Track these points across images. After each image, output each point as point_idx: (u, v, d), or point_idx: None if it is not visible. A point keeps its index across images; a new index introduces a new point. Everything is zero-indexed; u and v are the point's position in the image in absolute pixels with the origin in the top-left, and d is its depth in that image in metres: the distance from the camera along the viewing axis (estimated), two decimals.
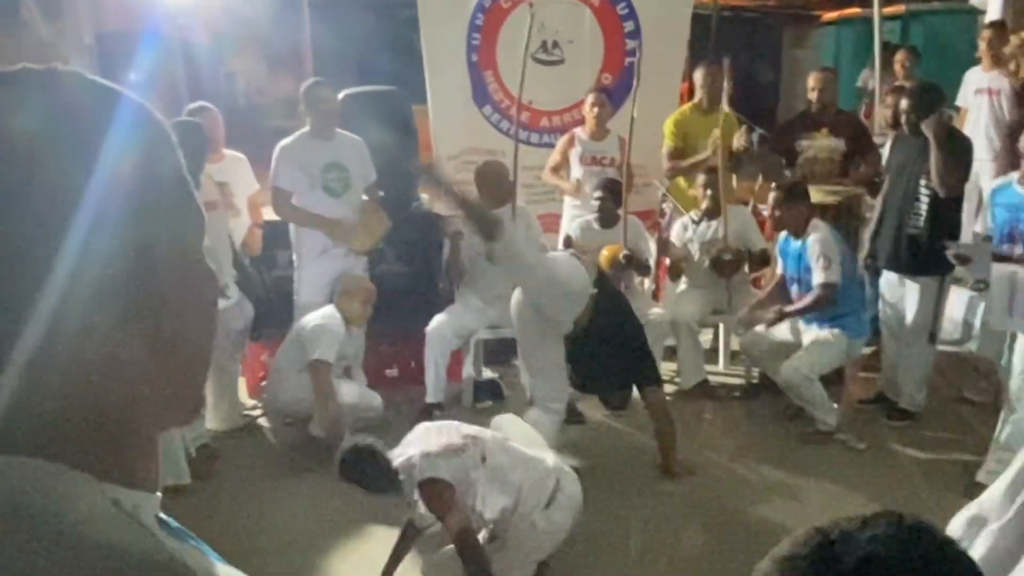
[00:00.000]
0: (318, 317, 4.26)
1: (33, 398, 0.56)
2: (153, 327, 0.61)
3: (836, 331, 4.32)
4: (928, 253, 4.22)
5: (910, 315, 4.38)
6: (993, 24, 6.37)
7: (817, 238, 4.24)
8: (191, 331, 0.65)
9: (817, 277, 4.22)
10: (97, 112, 0.61)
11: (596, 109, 5.18)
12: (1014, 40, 6.09)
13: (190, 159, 0.67)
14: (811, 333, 4.38)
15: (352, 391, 4.35)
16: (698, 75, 5.35)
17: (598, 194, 4.87)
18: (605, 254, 4.69)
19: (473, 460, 3.00)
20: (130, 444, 0.61)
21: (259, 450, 4.40)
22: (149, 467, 0.63)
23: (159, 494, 0.64)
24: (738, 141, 5.01)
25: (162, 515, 0.63)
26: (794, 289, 4.45)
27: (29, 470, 0.55)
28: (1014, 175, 3.89)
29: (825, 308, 4.25)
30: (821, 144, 5.11)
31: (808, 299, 4.28)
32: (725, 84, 5.16)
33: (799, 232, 4.34)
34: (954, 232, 4.35)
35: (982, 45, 6.05)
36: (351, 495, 3.27)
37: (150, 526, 0.59)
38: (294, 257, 4.78)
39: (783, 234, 4.51)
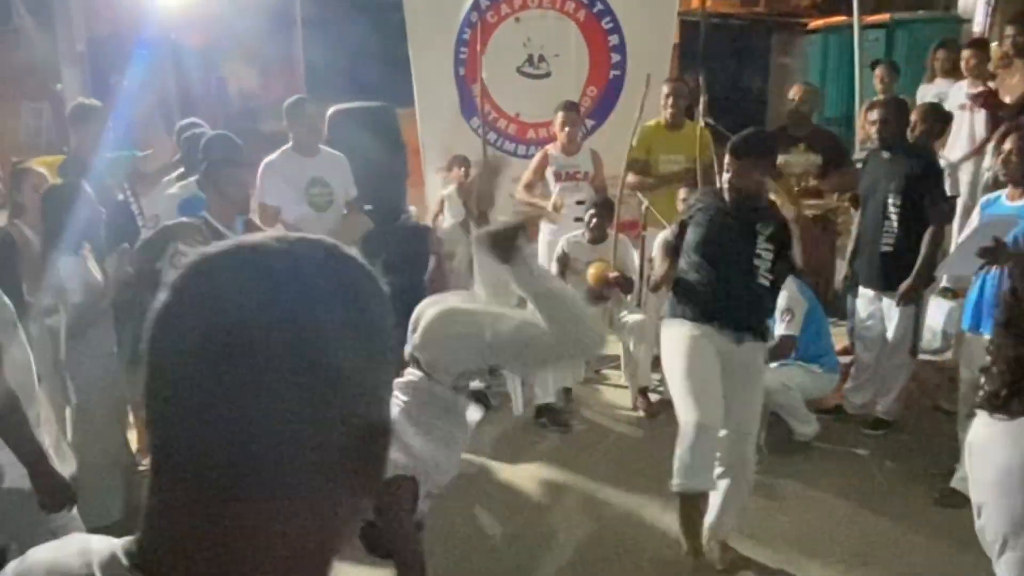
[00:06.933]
0: None
1: None
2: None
3: (816, 368, 4.48)
4: (902, 269, 4.30)
5: (891, 329, 4.47)
6: (975, 43, 6.39)
7: (782, 294, 4.32)
8: None
9: (778, 329, 4.32)
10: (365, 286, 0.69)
11: (567, 126, 5.20)
12: (995, 52, 6.13)
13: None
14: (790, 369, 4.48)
15: None
16: (662, 92, 5.26)
17: (592, 211, 4.95)
18: (592, 272, 4.79)
19: None
20: None
21: None
22: None
23: None
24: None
25: None
26: None
27: None
28: (1004, 190, 3.98)
29: (780, 357, 4.35)
30: (798, 159, 5.21)
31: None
32: (701, 98, 5.08)
33: None
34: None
35: (965, 64, 5.99)
36: None
37: None
38: None
39: None
